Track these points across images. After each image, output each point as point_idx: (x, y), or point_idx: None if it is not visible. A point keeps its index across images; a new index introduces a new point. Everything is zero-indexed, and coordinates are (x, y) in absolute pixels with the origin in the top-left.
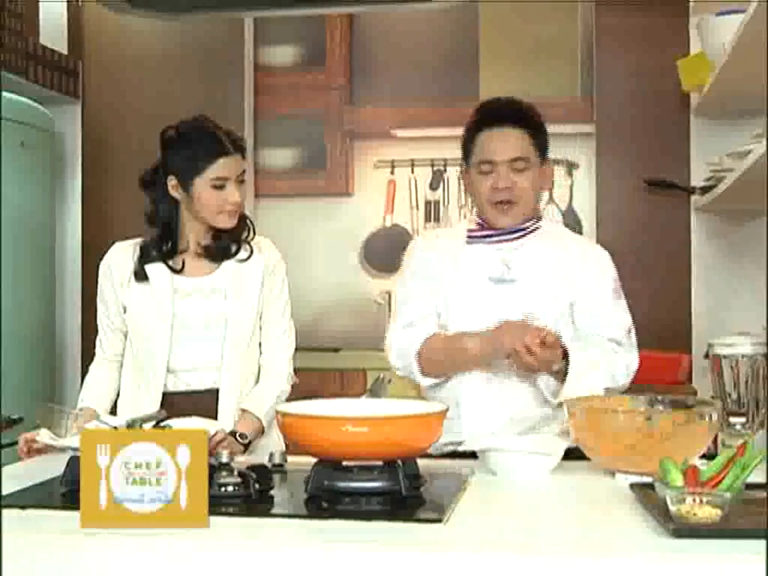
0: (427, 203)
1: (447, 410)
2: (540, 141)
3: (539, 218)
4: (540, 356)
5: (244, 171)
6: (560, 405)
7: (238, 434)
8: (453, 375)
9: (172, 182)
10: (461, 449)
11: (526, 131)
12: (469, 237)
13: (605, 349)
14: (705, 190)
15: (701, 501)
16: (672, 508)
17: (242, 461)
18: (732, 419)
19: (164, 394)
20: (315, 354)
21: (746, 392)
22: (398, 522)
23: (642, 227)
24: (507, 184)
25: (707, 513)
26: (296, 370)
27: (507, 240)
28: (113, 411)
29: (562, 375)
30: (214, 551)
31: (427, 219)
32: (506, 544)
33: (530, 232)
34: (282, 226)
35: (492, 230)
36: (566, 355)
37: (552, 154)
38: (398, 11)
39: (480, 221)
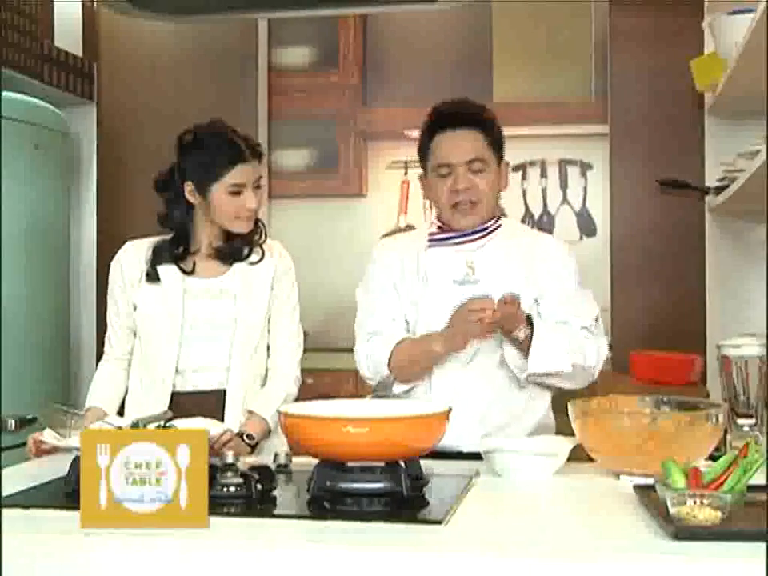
0: None
1: (450, 410)
2: (495, 141)
3: (499, 218)
4: (496, 315)
5: (261, 177)
6: (530, 377)
7: (245, 435)
8: (423, 380)
9: (189, 187)
10: (465, 450)
11: (481, 132)
12: (430, 240)
13: (574, 330)
14: (719, 190)
15: (701, 503)
16: (672, 510)
17: (250, 461)
18: (740, 420)
19: (171, 394)
20: (329, 354)
21: (754, 393)
22: (398, 524)
23: (657, 227)
24: (467, 185)
25: (707, 515)
26: (310, 371)
27: (469, 241)
28: (121, 410)
29: (527, 348)
30: (214, 551)
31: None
32: (505, 546)
33: (491, 232)
34: (296, 226)
35: (453, 232)
36: (531, 325)
37: (566, 154)
38: (403, 11)
39: (440, 224)
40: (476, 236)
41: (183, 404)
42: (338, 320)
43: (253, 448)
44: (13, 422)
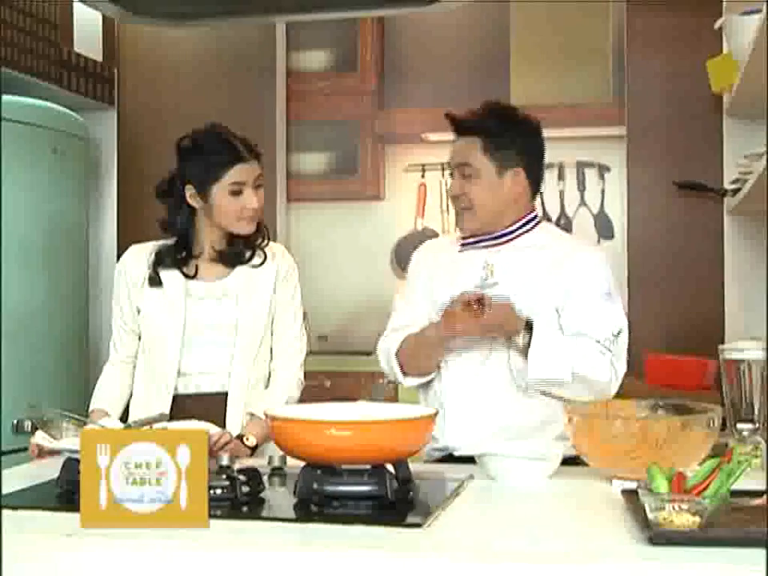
0: None
1: (436, 413)
2: (497, 146)
3: (531, 221)
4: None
5: (261, 176)
6: (532, 386)
7: (245, 438)
8: (434, 374)
9: (190, 191)
10: (457, 454)
11: (478, 137)
12: (462, 244)
13: (586, 343)
14: (736, 192)
15: (680, 508)
16: (650, 515)
17: (249, 463)
18: (740, 425)
19: (174, 396)
20: (347, 357)
21: (758, 398)
22: (379, 527)
23: (675, 230)
24: (456, 191)
25: (685, 520)
26: (328, 374)
27: (494, 245)
28: (126, 412)
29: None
30: (194, 552)
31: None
32: (479, 550)
33: (518, 236)
34: (314, 229)
35: (480, 236)
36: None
37: (583, 156)
38: (397, 14)
39: None
40: (503, 239)
41: (186, 406)
42: (356, 323)
43: (253, 450)
44: (30, 423)
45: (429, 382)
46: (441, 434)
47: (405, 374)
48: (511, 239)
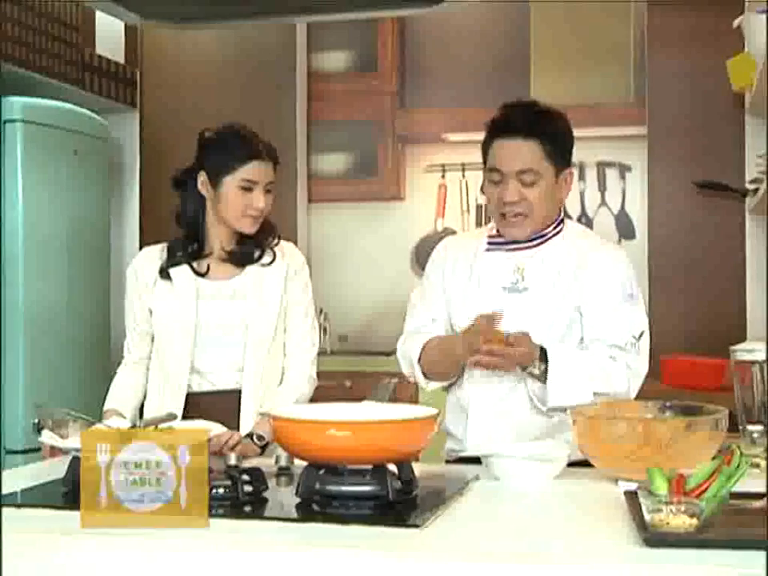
0: (478, 207)
1: (437, 414)
2: (556, 150)
3: (561, 222)
4: (501, 353)
5: (273, 182)
6: (551, 410)
7: (255, 436)
8: (457, 378)
9: (202, 177)
10: (464, 455)
11: (539, 142)
12: (489, 243)
13: (600, 353)
14: (756, 191)
15: (677, 510)
16: (647, 516)
17: (257, 463)
18: (749, 427)
19: (188, 395)
20: (367, 357)
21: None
22: (377, 527)
23: (696, 230)
24: (515, 198)
25: (681, 522)
26: (349, 374)
27: (525, 248)
28: (140, 413)
29: (545, 381)
30: (194, 552)
31: (478, 223)
32: (472, 551)
33: (550, 238)
34: (335, 230)
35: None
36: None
37: (604, 156)
38: (397, 15)
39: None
40: (534, 242)
41: (200, 404)
42: (377, 323)
43: (263, 449)
44: (51, 422)
45: (451, 384)
46: (464, 436)
47: (427, 379)
48: (542, 242)
